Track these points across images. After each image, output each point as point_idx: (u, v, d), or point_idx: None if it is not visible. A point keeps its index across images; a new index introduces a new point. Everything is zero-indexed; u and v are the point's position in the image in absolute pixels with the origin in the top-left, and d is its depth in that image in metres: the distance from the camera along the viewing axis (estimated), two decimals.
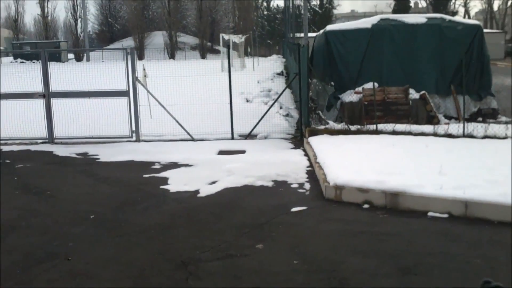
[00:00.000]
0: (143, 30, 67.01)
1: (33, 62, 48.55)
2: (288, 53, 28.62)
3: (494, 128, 10.19)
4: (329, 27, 14.73)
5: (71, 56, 65.01)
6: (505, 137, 9.85)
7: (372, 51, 13.47)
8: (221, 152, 10.61)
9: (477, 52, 13.45)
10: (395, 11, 64.40)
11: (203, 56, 64.67)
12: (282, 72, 28.55)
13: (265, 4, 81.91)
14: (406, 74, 13.24)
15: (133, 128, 11.96)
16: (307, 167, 9.11)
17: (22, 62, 56.16)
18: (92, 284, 4.85)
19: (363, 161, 8.29)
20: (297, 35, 26.74)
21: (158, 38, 67.71)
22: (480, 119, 12.89)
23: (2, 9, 72.50)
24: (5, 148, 11.55)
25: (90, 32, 76.88)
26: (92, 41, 77.78)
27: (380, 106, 11.98)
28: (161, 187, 8.14)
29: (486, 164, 7.84)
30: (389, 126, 10.72)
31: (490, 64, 14.11)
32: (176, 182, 8.36)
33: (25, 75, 16.12)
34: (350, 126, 10.95)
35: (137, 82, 12.03)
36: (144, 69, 14.00)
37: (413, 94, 12.53)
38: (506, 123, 11.38)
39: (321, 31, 16.08)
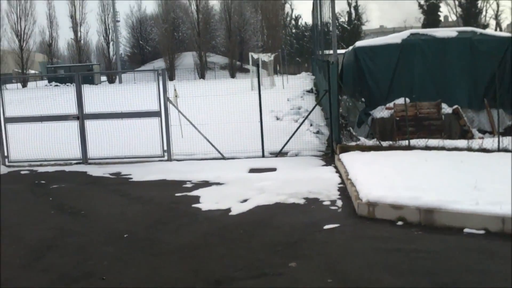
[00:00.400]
0: (174, 51, 68.19)
1: (67, 85, 49.84)
2: (317, 70, 28.65)
3: None
4: (358, 43, 14.69)
5: (103, 78, 66.60)
6: None
7: (402, 66, 13.36)
8: (252, 170, 10.62)
9: (510, 65, 13.21)
10: (424, 25, 63.94)
11: (232, 75, 65.28)
12: (311, 89, 28.57)
13: (293, 22, 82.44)
14: (437, 89, 13.08)
15: (165, 148, 12.10)
16: (339, 184, 9.04)
17: (57, 85, 57.72)
18: None
19: (396, 177, 8.18)
20: (326, 52, 26.72)
21: (188, 58, 68.72)
22: None
23: (37, 34, 74.65)
24: (40, 169, 11.80)
25: (122, 55, 78.72)
26: (124, 63, 79.57)
27: (412, 122, 11.83)
28: (193, 205, 8.18)
29: None
30: (421, 142, 10.57)
31: None
32: (208, 200, 8.40)
33: (60, 98, 16.52)
34: (382, 142, 10.85)
35: (168, 102, 12.19)
36: (175, 90, 14.19)
37: (446, 109, 12.35)
38: None
39: (350, 47, 16.05)
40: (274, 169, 10.52)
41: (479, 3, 66.45)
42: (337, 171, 9.99)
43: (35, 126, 13.21)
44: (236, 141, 12.89)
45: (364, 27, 73.50)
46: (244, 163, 11.31)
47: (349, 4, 71.48)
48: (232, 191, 8.86)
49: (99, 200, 8.92)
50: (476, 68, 13.14)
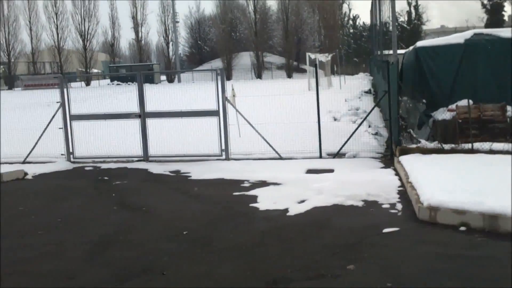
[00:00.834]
0: (231, 51, 68.94)
1: (128, 84, 51.19)
2: (376, 70, 28.18)
3: None
4: (420, 43, 14.36)
5: (163, 77, 68.00)
6: None
7: (465, 67, 12.96)
8: (309, 171, 10.59)
9: None
10: (487, 25, 61.71)
11: (289, 75, 65.26)
12: (369, 90, 28.15)
13: (351, 22, 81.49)
14: (501, 91, 12.60)
15: (223, 147, 12.23)
16: (399, 187, 8.88)
17: (118, 84, 59.40)
18: None
19: (459, 181, 7.95)
20: (385, 52, 26.25)
21: (245, 58, 69.25)
22: None
23: (100, 34, 77.15)
24: (103, 166, 12.20)
25: (180, 55, 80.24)
26: (182, 63, 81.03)
27: (476, 124, 11.46)
28: (251, 205, 8.24)
29: None
30: (486, 145, 10.23)
31: None
32: (265, 200, 8.43)
33: (121, 96, 16.99)
34: (444, 145, 10.57)
35: (226, 101, 12.32)
36: (233, 89, 14.32)
37: (511, 112, 11.90)
38: None
39: (411, 47, 15.71)
40: (331, 170, 10.44)
41: None
42: (397, 174, 9.81)
43: (98, 123, 13.66)
44: (293, 141, 12.88)
45: (424, 27, 71.67)
46: (301, 163, 11.28)
47: (409, 4, 69.91)
48: (290, 191, 8.86)
49: (159, 197, 9.13)
50: None
